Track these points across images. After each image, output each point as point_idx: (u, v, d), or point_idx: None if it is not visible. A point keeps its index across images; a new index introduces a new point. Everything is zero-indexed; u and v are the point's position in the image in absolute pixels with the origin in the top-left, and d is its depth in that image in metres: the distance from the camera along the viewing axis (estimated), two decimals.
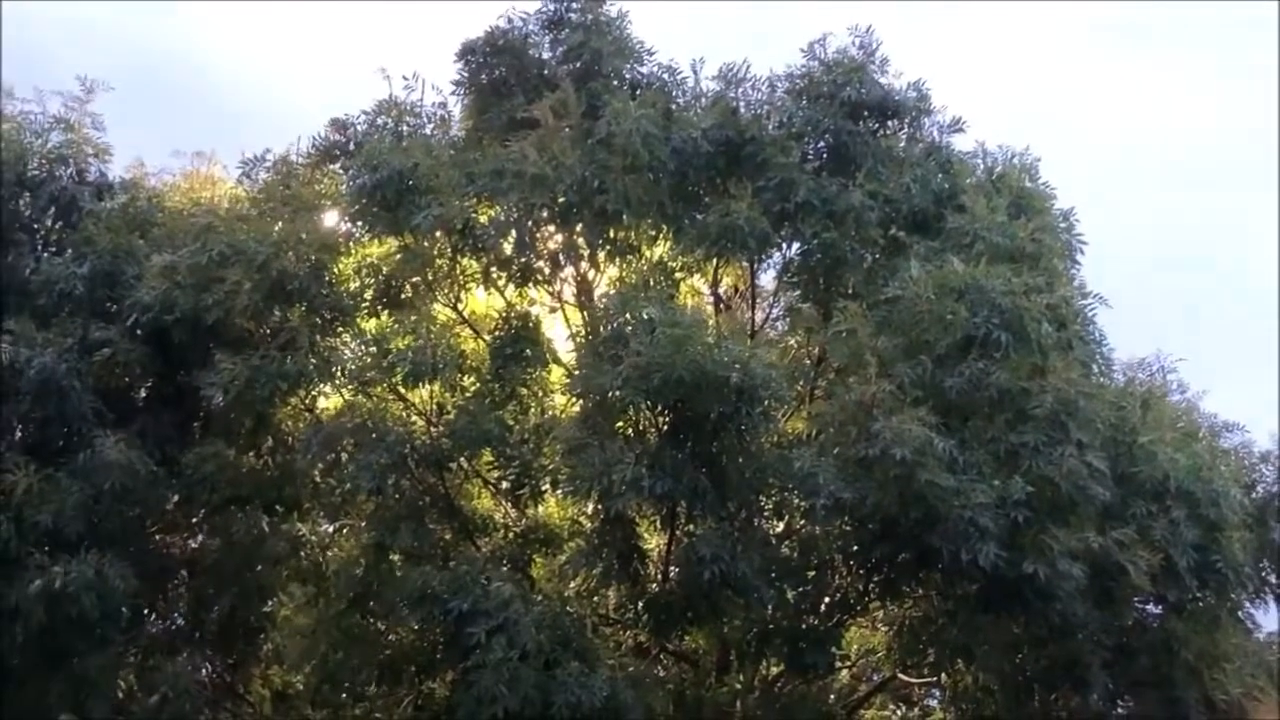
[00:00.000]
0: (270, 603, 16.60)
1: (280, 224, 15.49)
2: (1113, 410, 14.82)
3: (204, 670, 16.35)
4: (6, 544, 14.22)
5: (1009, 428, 13.97)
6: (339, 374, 15.24)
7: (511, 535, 15.55)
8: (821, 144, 16.02)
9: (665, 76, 16.54)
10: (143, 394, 16.35)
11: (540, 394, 15.48)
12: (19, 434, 15.58)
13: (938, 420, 13.58)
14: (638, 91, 16.01)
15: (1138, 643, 15.01)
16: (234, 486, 15.58)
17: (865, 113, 16.15)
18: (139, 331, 15.71)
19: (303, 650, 15.62)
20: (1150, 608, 15.22)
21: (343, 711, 16.09)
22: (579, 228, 15.73)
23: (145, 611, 16.52)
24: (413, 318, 14.97)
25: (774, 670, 15.64)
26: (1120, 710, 15.77)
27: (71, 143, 17.49)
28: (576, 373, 14.79)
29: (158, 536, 16.38)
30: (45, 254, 16.88)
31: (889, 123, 16.42)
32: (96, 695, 14.90)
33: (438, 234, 15.23)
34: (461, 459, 15.08)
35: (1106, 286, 16.68)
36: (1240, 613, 15.98)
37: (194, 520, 16.60)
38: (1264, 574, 16.35)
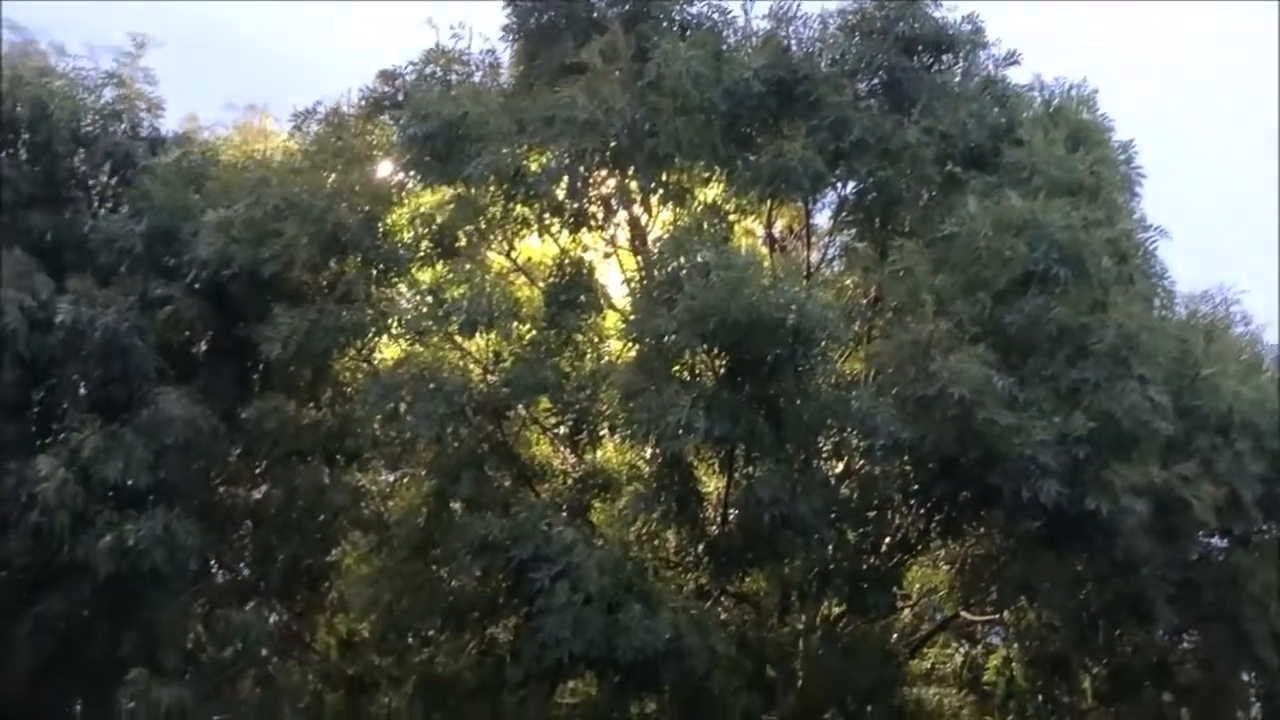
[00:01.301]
0: (333, 552, 16.84)
1: (333, 176, 15.55)
2: (1175, 344, 14.74)
3: (270, 619, 16.53)
4: (75, 500, 14.38)
5: (1069, 364, 13.92)
6: (395, 325, 15.31)
7: (570, 481, 15.68)
8: (875, 80, 15.91)
9: (715, 16, 16.38)
10: (203, 349, 16.53)
11: (596, 340, 15.52)
12: (84, 392, 15.75)
13: (997, 358, 13.57)
14: (687, 32, 15.94)
15: (1202, 577, 14.93)
16: (294, 439, 15.73)
17: (919, 47, 16.02)
18: (197, 287, 15.83)
19: (367, 598, 15.79)
20: (1215, 541, 15.18)
21: (408, 658, 16.30)
22: (631, 172, 15.75)
23: (211, 563, 16.83)
24: (467, 267, 15.04)
25: (835, 610, 15.72)
26: (1185, 645, 15.86)
27: (125, 98, 17.60)
28: (631, 318, 14.83)
29: (221, 489, 16.63)
30: (102, 211, 17.04)
31: (943, 57, 16.25)
32: (167, 646, 15.16)
33: (490, 182, 15.20)
34: (519, 406, 15.23)
35: (1167, 218, 16.57)
36: None
37: (256, 472, 16.81)
38: None
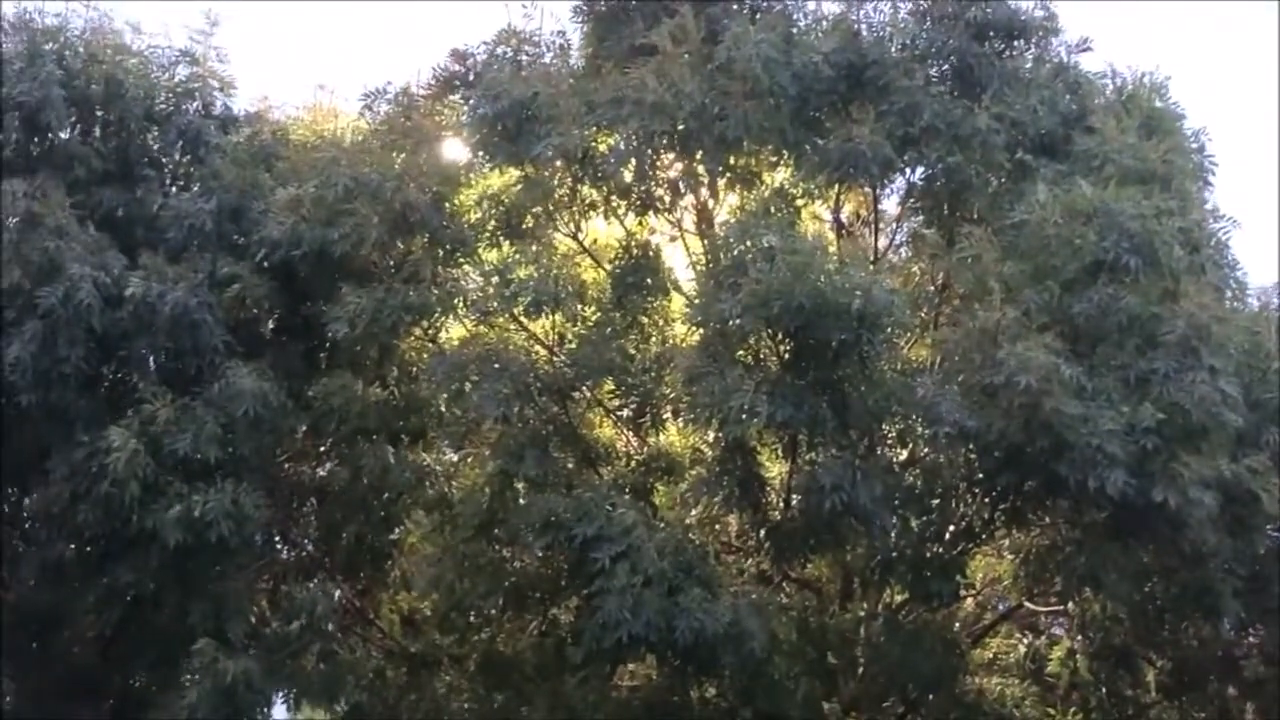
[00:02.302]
0: (397, 530, 16.97)
1: (402, 156, 15.66)
2: (1246, 335, 14.60)
3: (335, 596, 16.62)
4: (145, 471, 14.59)
5: (1139, 354, 13.81)
6: (462, 305, 15.38)
7: (633, 463, 15.72)
8: (946, 66, 15.81)
9: (786, 0, 16.40)
10: (270, 327, 16.74)
11: (660, 323, 15.60)
12: (154, 366, 16.02)
13: (1065, 347, 13.49)
14: (757, 15, 15.88)
15: (1270, 571, 14.78)
16: (360, 417, 15.82)
17: (991, 33, 15.92)
18: (266, 265, 15.98)
19: (429, 577, 15.91)
20: None
21: (469, 636, 16.44)
22: (699, 155, 15.69)
23: (277, 538, 17.09)
24: (534, 248, 15.13)
25: (898, 598, 15.73)
26: (1251, 639, 15.71)
27: (197, 76, 17.84)
28: (696, 301, 14.81)
29: (288, 465, 16.86)
30: (173, 189, 17.30)
31: (1015, 43, 16.17)
32: (233, 618, 15.37)
33: (558, 163, 15.30)
34: (583, 388, 15.27)
35: (1241, 208, 16.47)
36: None
37: (322, 450, 17.01)
38: None
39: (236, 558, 15.40)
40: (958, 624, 16.34)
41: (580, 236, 16.22)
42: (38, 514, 16.21)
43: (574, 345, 15.18)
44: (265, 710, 16.13)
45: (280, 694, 16.43)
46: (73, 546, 15.74)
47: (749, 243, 14.13)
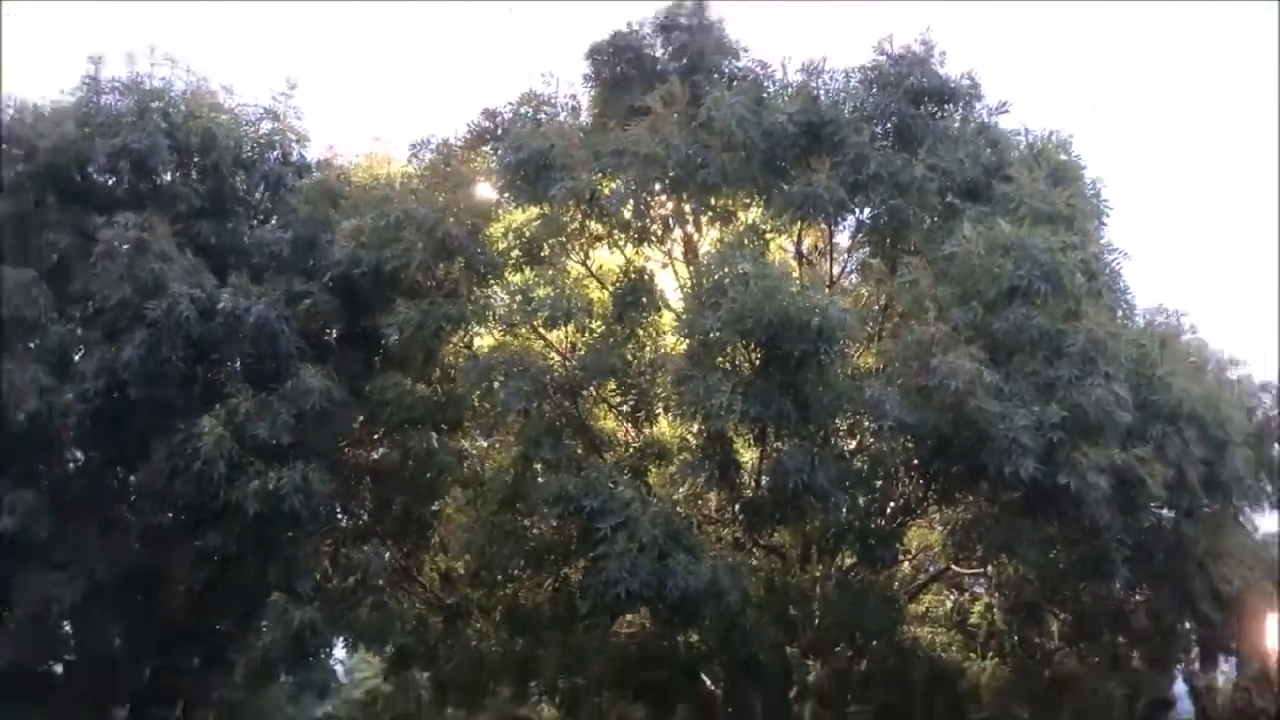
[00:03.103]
0: (437, 503, 16.89)
1: (443, 195, 15.65)
2: (1134, 348, 14.70)
3: (385, 557, 16.59)
4: (230, 453, 14.56)
5: (1046, 363, 13.88)
6: (491, 318, 15.39)
7: (631, 450, 15.64)
8: (888, 125, 15.81)
9: (757, 70, 16.41)
10: (334, 335, 16.65)
11: (654, 334, 15.53)
12: (239, 367, 15.97)
13: (986, 356, 13.53)
14: (734, 83, 15.91)
15: (1154, 542, 14.87)
16: (408, 409, 15.79)
17: (925, 98, 15.94)
18: (331, 284, 16.01)
19: (463, 542, 15.86)
20: (1165, 513, 15.08)
21: (496, 591, 16.37)
22: (685, 197, 15.75)
23: (338, 509, 16.95)
24: (550, 272, 15.13)
25: (847, 562, 15.69)
26: (1138, 597, 15.83)
27: (278, 130, 17.84)
28: (683, 317, 14.86)
29: (348, 449, 16.72)
30: (256, 222, 17.30)
31: (945, 106, 16.16)
32: (302, 576, 15.36)
33: (570, 203, 15.25)
34: (590, 387, 15.20)
35: (1130, 243, 16.54)
36: (1241, 517, 16.00)
37: (376, 436, 16.88)
38: (1262, 484, 16.28)
39: (305, 525, 15.30)
40: (896, 583, 16.29)
41: (588, 263, 16.18)
42: (142, 488, 16.14)
43: (583, 352, 15.13)
44: (327, 652, 16.16)
45: (339, 638, 16.52)
46: (170, 516, 15.71)
47: (727, 269, 14.17)
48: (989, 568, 16.04)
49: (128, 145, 16.29)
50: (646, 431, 15.72)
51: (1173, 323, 16.26)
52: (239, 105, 17.70)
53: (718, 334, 13.77)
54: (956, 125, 16.07)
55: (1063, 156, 16.26)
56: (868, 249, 16.28)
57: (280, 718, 19.61)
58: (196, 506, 15.12)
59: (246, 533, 14.92)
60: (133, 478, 16.58)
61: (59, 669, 16.91)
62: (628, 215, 15.55)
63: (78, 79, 16.99)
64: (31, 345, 15.45)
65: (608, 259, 16.27)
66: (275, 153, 17.74)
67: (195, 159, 17.03)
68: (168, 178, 16.90)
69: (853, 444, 15.21)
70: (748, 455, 14.97)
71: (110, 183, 16.72)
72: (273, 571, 15.20)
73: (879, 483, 15.01)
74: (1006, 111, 16.50)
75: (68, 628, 16.32)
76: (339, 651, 17.15)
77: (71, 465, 17.07)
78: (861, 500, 14.80)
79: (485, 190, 16.02)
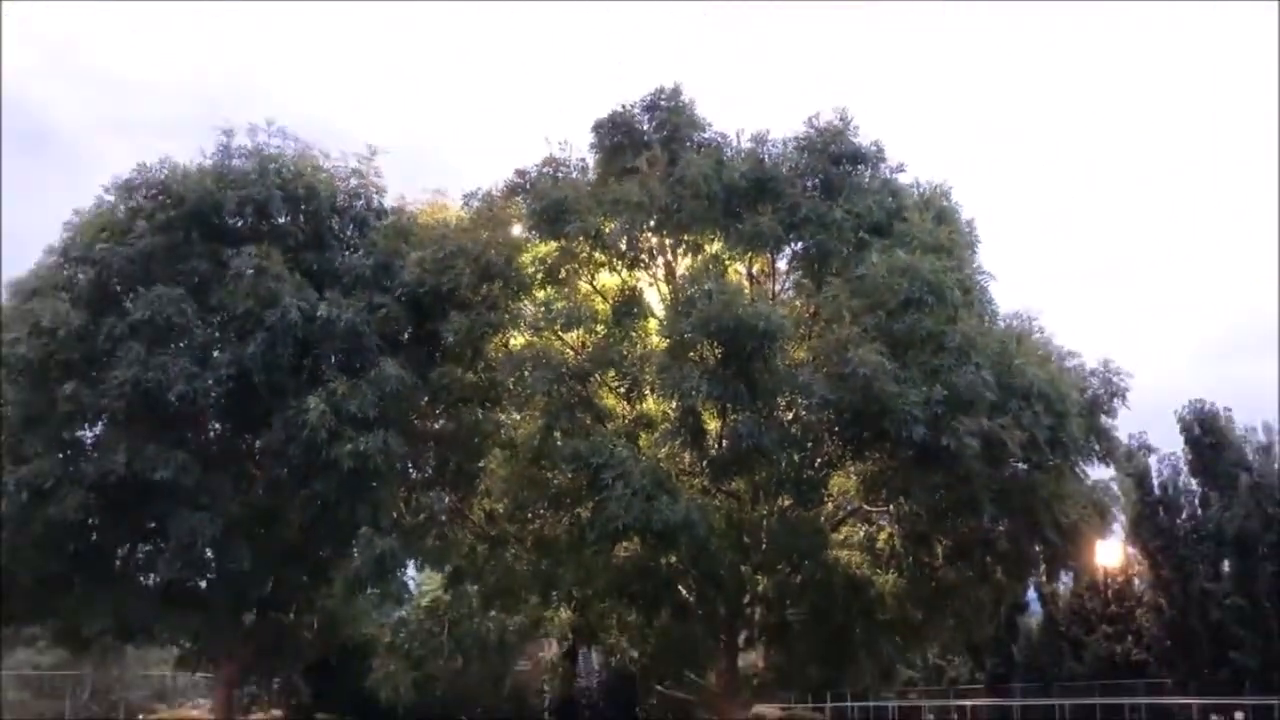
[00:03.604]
0: (482, 461, 16.85)
1: (485, 233, 15.68)
2: (997, 344, 14.75)
3: (445, 500, 16.64)
4: (330, 423, 14.67)
5: (932, 355, 13.99)
6: (522, 324, 15.42)
7: (626, 421, 15.70)
8: (816, 180, 15.88)
9: (719, 139, 16.40)
10: (405, 337, 16.65)
11: (643, 336, 15.54)
12: (334, 360, 15.97)
13: (887, 351, 13.65)
14: (701, 149, 15.98)
15: (1012, 487, 14.87)
16: (460, 392, 15.89)
17: (843, 160, 16.01)
18: (402, 299, 16.06)
19: (502, 489, 15.92)
20: (1020, 466, 15.01)
21: (526, 526, 16.36)
22: (665, 234, 15.85)
23: (409, 466, 16.96)
24: (566, 290, 15.23)
25: (786, 502, 15.70)
26: (1000, 528, 15.61)
27: (363, 185, 17.81)
28: (664, 323, 14.90)
29: (416, 421, 16.74)
30: (346, 253, 17.26)
31: (858, 166, 16.22)
32: (383, 515, 15.44)
33: (580, 238, 15.34)
34: (596, 375, 15.24)
35: (994, 265, 16.55)
36: (1077, 468, 15.76)
37: (437, 412, 16.91)
38: (1092, 445, 16.11)
39: (385, 477, 15.36)
40: (822, 518, 16.27)
41: (594, 283, 16.22)
42: (264, 450, 16.21)
43: (590, 349, 15.15)
44: (402, 571, 16.18)
45: (411, 561, 16.53)
46: (285, 470, 15.73)
47: (696, 287, 14.27)
48: (891, 506, 16.04)
49: (251, 196, 16.41)
50: (638, 407, 15.80)
51: (1026, 325, 16.21)
52: (333, 165, 17.69)
53: (690, 335, 13.86)
54: (866, 180, 16.16)
55: (944, 203, 16.38)
56: (800, 272, 16.32)
57: (367, 620, 19.58)
58: (305, 463, 15.18)
59: (342, 483, 15.02)
60: (257, 442, 16.64)
61: (204, 584, 16.92)
62: (623, 247, 15.61)
63: (213, 145, 17.10)
64: (181, 344, 15.51)
65: (608, 280, 16.36)
66: (360, 201, 17.74)
67: (301, 206, 17.09)
68: (281, 220, 16.98)
69: (790, 416, 15.27)
70: (712, 424, 15.08)
71: (238, 224, 16.78)
72: (361, 511, 15.25)
73: (809, 444, 15.06)
74: (903, 170, 16.61)
75: (210, 553, 16.30)
76: (411, 570, 17.12)
77: (211, 432, 17.15)
78: (796, 457, 14.88)
79: (517, 229, 16.08)
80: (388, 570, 15.08)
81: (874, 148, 16.21)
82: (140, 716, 32.24)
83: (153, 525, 16.11)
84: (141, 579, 16.92)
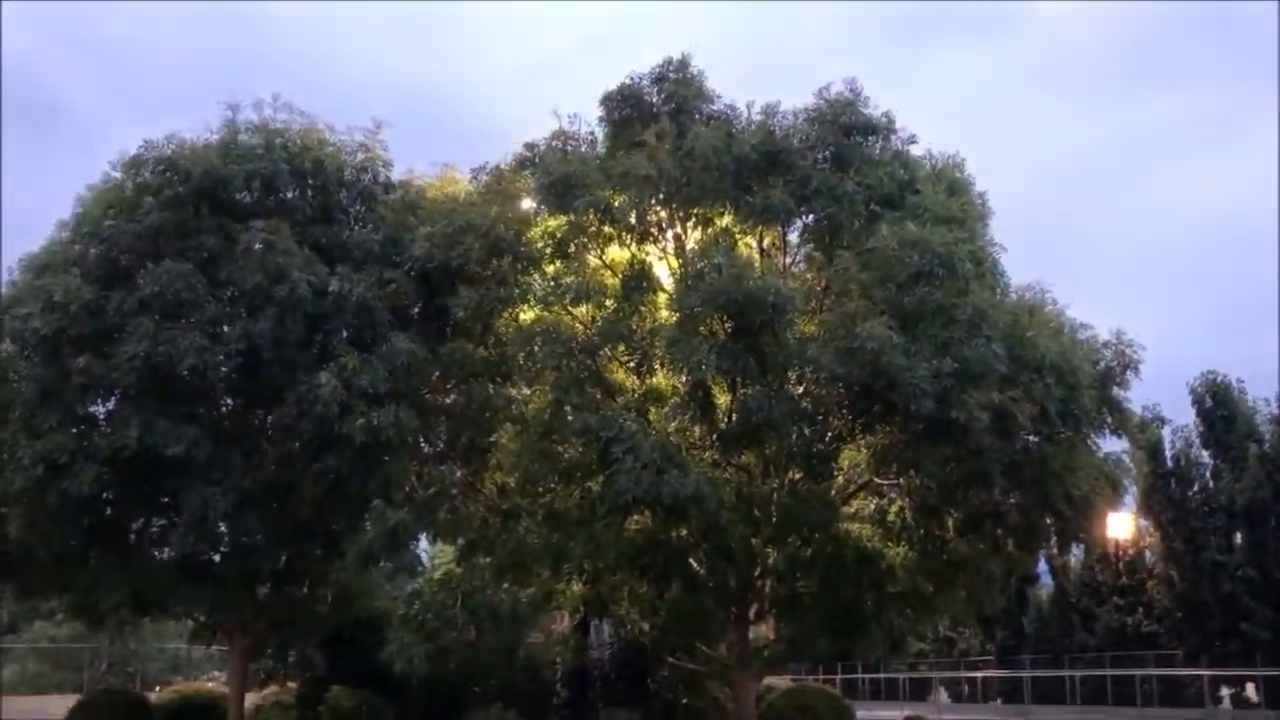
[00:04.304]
0: (493, 435, 16.83)
1: (495, 207, 15.65)
2: (1009, 316, 14.63)
3: (456, 474, 16.80)
4: (341, 398, 14.76)
5: (943, 328, 13.84)
6: (531, 299, 15.38)
7: (636, 395, 15.69)
8: (827, 152, 15.75)
9: (728, 111, 16.30)
10: (415, 311, 16.74)
11: (652, 310, 15.52)
12: (345, 334, 16.12)
13: (897, 324, 13.55)
14: (710, 121, 15.86)
15: (1023, 460, 14.77)
16: (471, 366, 15.90)
17: (854, 131, 15.87)
18: (412, 274, 16.10)
19: (513, 463, 15.95)
20: (1031, 439, 14.89)
21: (537, 499, 16.39)
22: (674, 207, 15.74)
23: (421, 440, 17.09)
24: (575, 264, 15.15)
25: (796, 476, 15.72)
26: (1011, 501, 15.59)
27: (370, 158, 17.86)
28: (674, 297, 14.82)
29: (427, 395, 16.82)
30: (355, 227, 17.35)
31: (869, 138, 16.07)
32: (395, 488, 15.54)
33: (589, 213, 15.27)
34: (605, 349, 15.25)
35: (1007, 236, 16.48)
36: (1088, 441, 15.67)
37: (448, 386, 16.98)
38: (1104, 417, 15.99)
39: (397, 451, 15.45)
40: (833, 491, 16.26)
41: (603, 257, 16.16)
42: (276, 425, 16.35)
43: (600, 323, 15.13)
44: (415, 543, 16.31)
45: (424, 533, 16.55)
46: (298, 444, 15.86)
47: (706, 261, 14.16)
48: (901, 479, 16.01)
49: (258, 170, 16.48)
50: (647, 381, 15.80)
51: (1038, 297, 16.07)
52: (340, 139, 17.75)
53: (700, 309, 13.81)
54: (878, 152, 16.02)
55: (957, 175, 16.20)
56: (811, 245, 16.26)
57: (380, 593, 19.80)
58: (317, 437, 15.31)
59: (354, 456, 15.14)
60: (269, 416, 16.80)
61: (217, 558, 17.11)
62: (632, 221, 15.55)
63: (219, 120, 17.13)
64: (192, 319, 15.60)
65: (618, 254, 16.30)
66: (368, 175, 17.79)
67: (309, 180, 17.15)
68: (289, 195, 17.04)
69: (800, 389, 15.25)
70: (722, 398, 15.08)
71: (246, 199, 16.83)
72: (373, 485, 15.36)
73: (819, 417, 15.03)
74: (915, 142, 16.42)
75: (223, 527, 16.48)
76: (423, 543, 17.26)
77: (224, 407, 17.31)
78: (806, 430, 14.85)
79: (526, 203, 16.04)
80: (400, 543, 15.16)
81: (885, 119, 16.07)
82: (157, 688, 32.66)
83: (166, 500, 16.29)
84: (156, 553, 17.13)
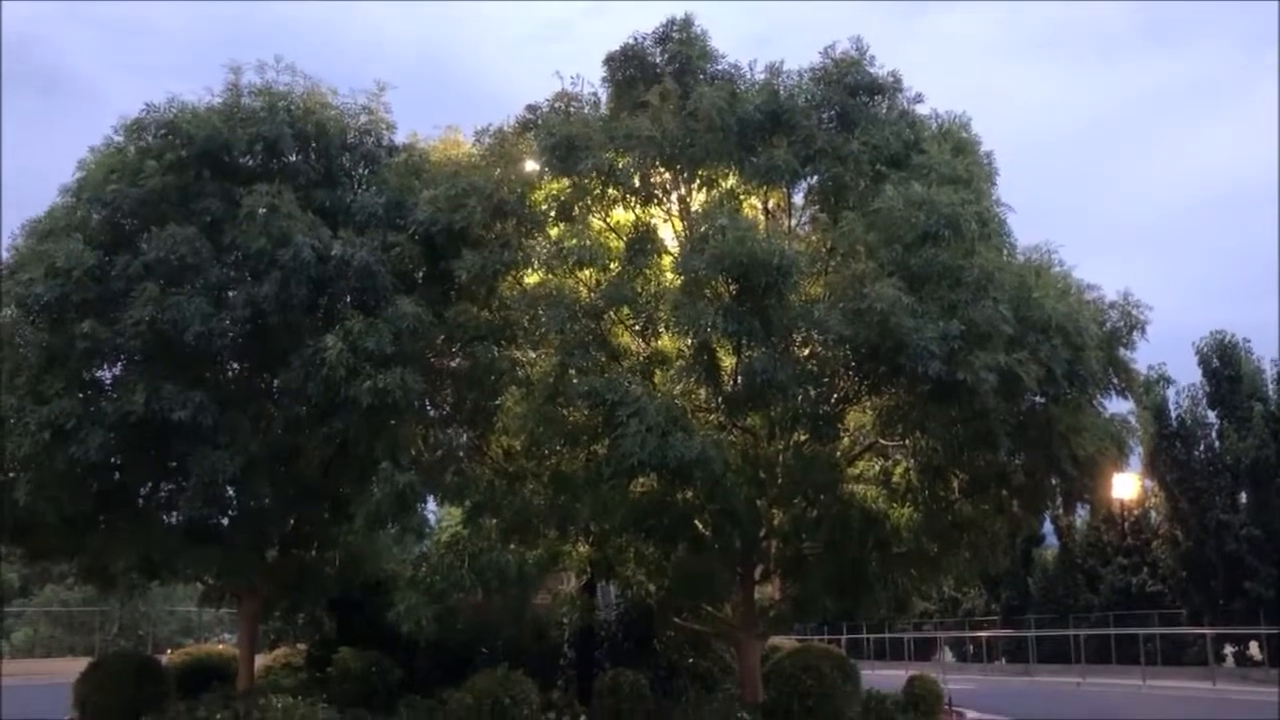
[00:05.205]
0: (499, 399, 16.95)
1: (498, 170, 15.63)
2: (1016, 277, 14.62)
3: (463, 437, 16.86)
4: (347, 361, 14.77)
5: (949, 289, 13.84)
6: (535, 262, 15.38)
7: (641, 358, 15.78)
8: (832, 112, 15.67)
9: (732, 71, 16.21)
10: (420, 276, 16.69)
11: (657, 273, 15.52)
12: (349, 298, 16.09)
13: (904, 285, 13.54)
14: (714, 81, 15.76)
15: (1029, 421, 14.88)
16: (475, 330, 15.90)
17: (860, 91, 15.79)
18: (416, 237, 16.03)
19: (518, 426, 16.01)
20: (1038, 400, 15.02)
21: (543, 462, 16.50)
22: (678, 169, 15.69)
23: (427, 403, 17.10)
24: (579, 227, 15.12)
25: (802, 437, 15.79)
26: (1017, 462, 15.66)
27: (373, 121, 17.72)
28: (678, 259, 14.83)
29: (433, 359, 16.84)
30: (358, 190, 17.26)
31: (875, 97, 15.99)
32: (402, 451, 15.55)
33: (592, 174, 15.23)
34: (610, 312, 15.27)
35: (1013, 197, 16.39)
36: (1094, 402, 15.72)
37: (453, 350, 16.97)
38: (1110, 378, 16.06)
39: (404, 413, 15.44)
40: (838, 453, 16.36)
41: (607, 220, 16.15)
42: (283, 389, 16.33)
43: (604, 286, 15.13)
44: (422, 506, 16.41)
45: (431, 496, 16.63)
46: (304, 408, 15.86)
47: (710, 223, 14.15)
48: (907, 441, 16.05)
49: (261, 134, 16.33)
50: (652, 344, 15.87)
51: (1045, 258, 16.05)
52: (343, 102, 17.58)
53: (704, 271, 13.80)
54: (883, 112, 15.92)
55: (963, 134, 16.11)
56: (816, 206, 16.21)
57: (387, 555, 19.98)
58: (323, 401, 15.31)
59: (361, 419, 15.14)
60: (275, 380, 16.80)
61: (225, 521, 17.23)
62: (636, 183, 15.51)
63: (221, 84, 17.05)
64: (196, 284, 15.60)
65: (621, 216, 16.29)
66: (371, 138, 17.62)
67: (312, 143, 16.98)
68: (292, 158, 16.88)
69: (805, 351, 15.31)
70: (727, 360, 15.13)
71: (249, 162, 16.74)
72: (380, 448, 15.40)
73: (825, 379, 15.07)
74: (921, 101, 16.34)
75: (231, 491, 16.58)
76: (430, 505, 17.39)
77: (229, 372, 17.34)
78: (812, 392, 14.89)
79: (530, 166, 15.98)
80: (408, 505, 15.19)
81: (891, 78, 15.98)
82: (168, 651, 33.14)
83: (174, 464, 16.36)
84: (164, 517, 17.24)
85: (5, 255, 16.53)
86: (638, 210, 15.90)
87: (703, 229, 14.23)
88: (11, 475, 16.03)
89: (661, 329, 15.36)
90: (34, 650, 46.56)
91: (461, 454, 16.32)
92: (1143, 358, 16.37)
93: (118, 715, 17.11)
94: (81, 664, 19.80)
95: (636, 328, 15.70)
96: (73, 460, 14.94)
